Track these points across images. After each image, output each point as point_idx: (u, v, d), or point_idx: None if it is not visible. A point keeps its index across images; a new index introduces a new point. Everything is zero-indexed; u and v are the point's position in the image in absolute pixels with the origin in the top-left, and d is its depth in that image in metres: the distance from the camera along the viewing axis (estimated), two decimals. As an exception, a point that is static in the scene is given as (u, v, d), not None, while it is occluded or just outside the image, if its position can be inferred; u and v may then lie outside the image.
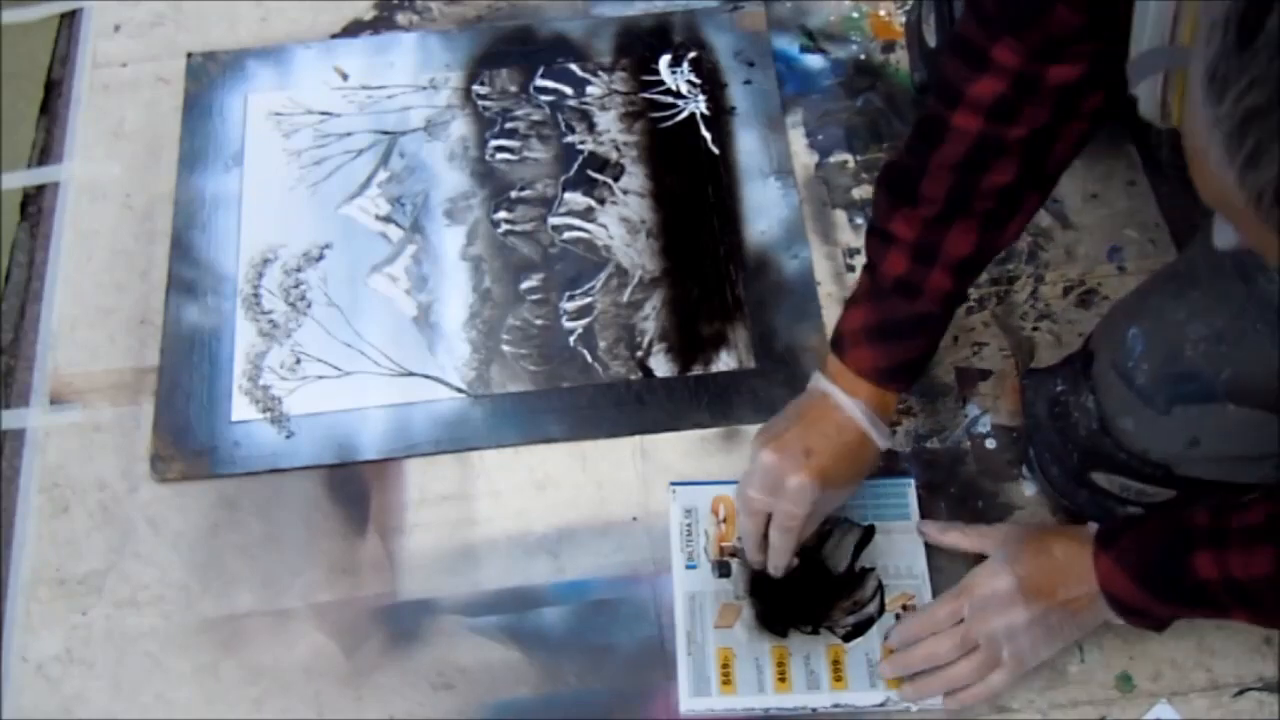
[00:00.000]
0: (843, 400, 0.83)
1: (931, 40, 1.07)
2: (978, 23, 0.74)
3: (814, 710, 0.87)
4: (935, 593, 0.90)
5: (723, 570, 0.91)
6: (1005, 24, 0.73)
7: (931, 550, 0.93)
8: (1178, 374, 0.76)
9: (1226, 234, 0.46)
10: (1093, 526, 0.83)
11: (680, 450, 0.99)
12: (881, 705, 0.86)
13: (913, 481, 0.95)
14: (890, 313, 0.83)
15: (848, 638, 0.89)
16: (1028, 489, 0.96)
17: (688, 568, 0.92)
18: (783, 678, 0.88)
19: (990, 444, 0.98)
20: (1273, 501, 0.72)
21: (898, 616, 0.89)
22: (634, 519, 0.96)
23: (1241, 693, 0.88)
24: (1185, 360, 0.76)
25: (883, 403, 0.85)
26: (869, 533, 0.92)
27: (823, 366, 0.87)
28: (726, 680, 0.88)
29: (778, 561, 0.86)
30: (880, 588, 0.90)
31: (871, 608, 0.90)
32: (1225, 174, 0.41)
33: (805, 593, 0.90)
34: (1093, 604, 0.80)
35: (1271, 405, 0.73)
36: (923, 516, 0.94)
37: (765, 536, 0.85)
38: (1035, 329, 1.03)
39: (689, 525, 0.93)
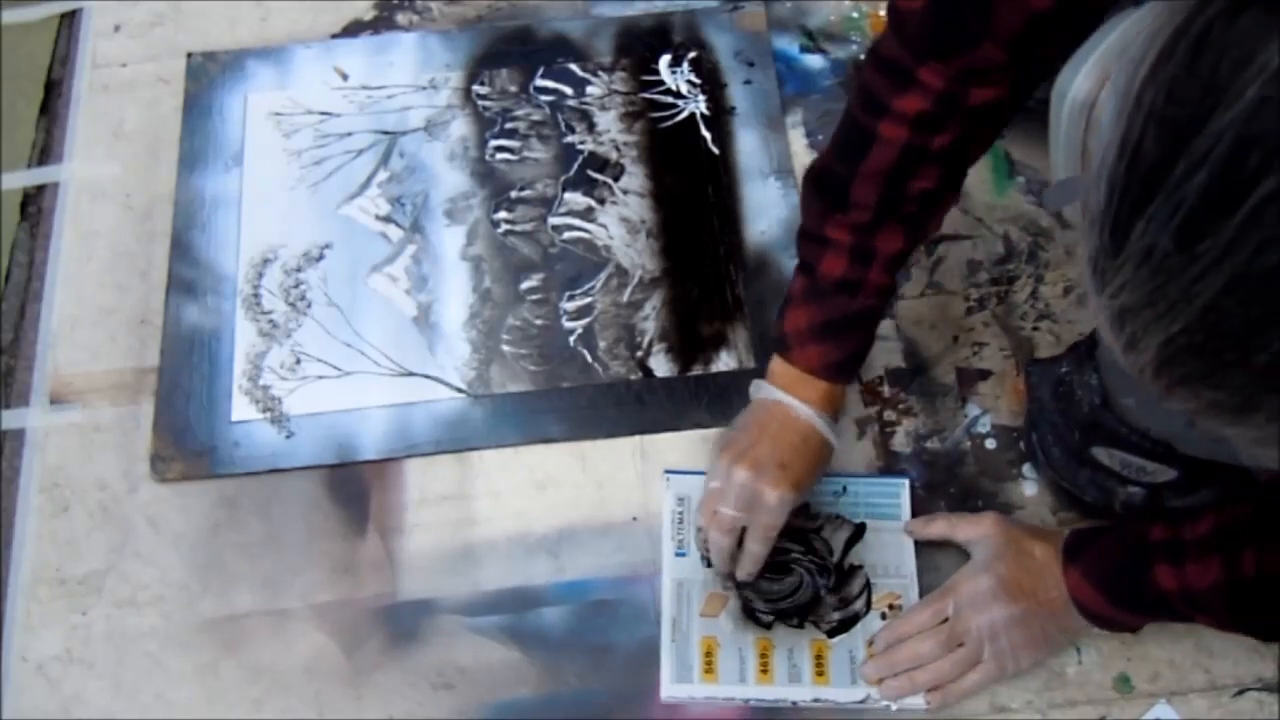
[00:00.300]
0: (802, 410, 0.86)
1: None
2: (903, 45, 0.77)
3: (794, 703, 0.88)
4: (923, 593, 0.91)
5: (711, 560, 0.91)
6: (931, 52, 0.76)
7: (920, 550, 0.93)
8: None
9: (1058, 196, 0.48)
10: (1067, 531, 0.85)
11: (680, 450, 0.99)
12: (861, 702, 0.87)
13: (906, 481, 0.95)
14: (834, 311, 0.86)
15: (832, 633, 0.89)
16: (1028, 489, 0.96)
17: (677, 555, 0.93)
18: (765, 669, 0.88)
19: (990, 444, 0.98)
20: (1220, 513, 0.75)
21: (884, 616, 0.90)
22: (634, 519, 0.96)
23: (1240, 693, 0.88)
24: None
25: (832, 405, 0.89)
26: (859, 530, 0.92)
27: (768, 375, 0.89)
28: (709, 668, 0.88)
29: (752, 569, 0.88)
30: (868, 585, 0.91)
31: (858, 605, 0.90)
32: (1112, 345, 0.44)
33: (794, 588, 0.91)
34: (1069, 608, 0.83)
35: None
36: (921, 516, 0.95)
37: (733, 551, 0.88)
38: (1035, 329, 1.03)
39: (680, 514, 0.94)
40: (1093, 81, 0.54)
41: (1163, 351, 0.41)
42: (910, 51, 0.76)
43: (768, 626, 0.90)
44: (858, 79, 0.83)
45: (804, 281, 0.87)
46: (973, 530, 0.89)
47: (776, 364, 0.89)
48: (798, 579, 0.90)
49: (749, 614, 0.90)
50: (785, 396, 0.87)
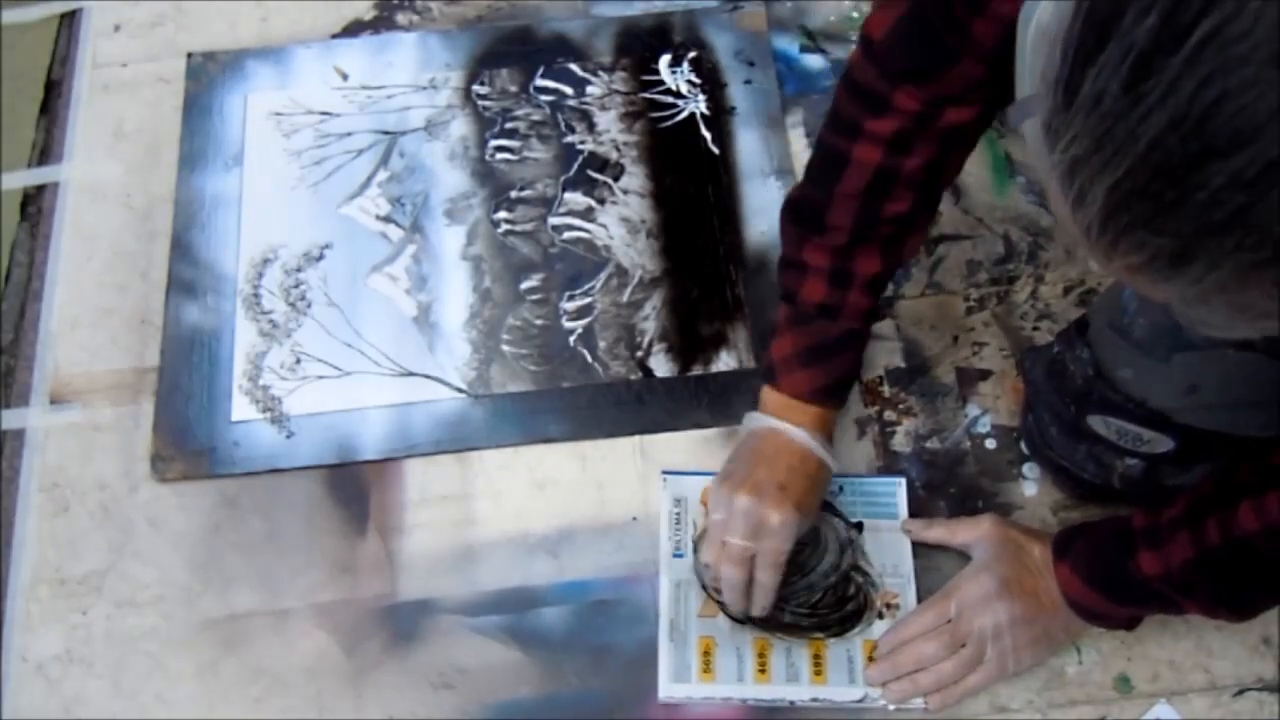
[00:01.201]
0: (795, 434, 0.87)
1: None
2: (879, 72, 0.78)
3: (792, 703, 0.88)
4: (920, 592, 0.91)
5: (724, 602, 0.90)
6: (908, 76, 0.77)
7: (918, 550, 0.93)
8: (1173, 324, 0.77)
9: (1021, 112, 0.50)
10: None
11: (680, 450, 0.99)
12: (859, 702, 0.87)
13: (902, 481, 0.95)
14: (818, 335, 0.88)
15: (831, 634, 0.89)
16: (1028, 489, 0.96)
17: (675, 556, 0.93)
18: (763, 669, 0.88)
19: (990, 444, 0.98)
20: (1193, 492, 0.76)
21: (881, 615, 0.90)
22: (634, 519, 0.96)
23: (1241, 693, 0.88)
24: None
25: (825, 427, 0.90)
26: (856, 529, 0.92)
27: (760, 405, 0.90)
28: (707, 668, 0.88)
29: (766, 601, 0.87)
30: (865, 585, 0.91)
31: (855, 605, 0.90)
32: (1061, 210, 0.46)
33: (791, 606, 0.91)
34: (1067, 606, 0.83)
35: (1272, 350, 0.74)
36: (922, 516, 0.95)
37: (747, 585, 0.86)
38: (1035, 329, 1.03)
39: (678, 514, 0.94)
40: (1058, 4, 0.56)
41: (1109, 199, 0.42)
42: (885, 76, 0.78)
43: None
44: (831, 108, 0.84)
45: (787, 310, 0.89)
46: (971, 533, 0.89)
47: (766, 393, 0.90)
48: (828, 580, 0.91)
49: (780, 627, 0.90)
50: (777, 422, 0.88)
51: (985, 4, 0.70)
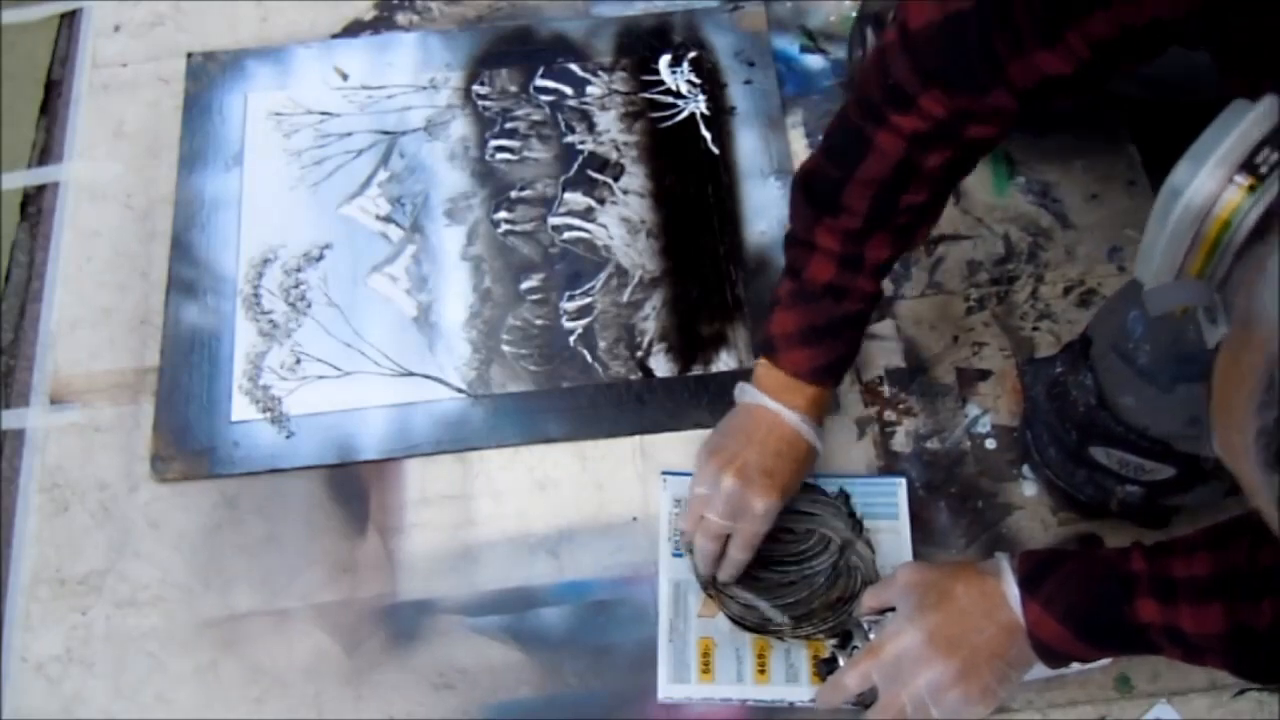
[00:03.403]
0: (789, 416, 0.86)
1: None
2: (913, 69, 0.75)
3: (791, 704, 0.88)
4: None
5: (695, 565, 0.90)
6: (941, 80, 0.75)
7: (917, 551, 0.93)
8: (1182, 354, 0.77)
9: (1162, 300, 0.48)
10: (999, 558, 0.80)
11: (680, 450, 0.99)
12: (855, 705, 0.86)
13: (903, 481, 0.95)
14: (821, 315, 0.86)
15: (831, 634, 0.88)
16: (1028, 489, 0.96)
17: (674, 556, 0.93)
18: (762, 670, 0.88)
19: (990, 444, 0.98)
20: (1215, 551, 0.71)
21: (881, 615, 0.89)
22: (634, 519, 0.96)
23: (1241, 693, 0.88)
24: (1189, 341, 0.75)
25: (818, 410, 0.88)
26: (857, 529, 0.92)
27: (755, 380, 0.88)
28: (706, 669, 0.88)
29: (733, 573, 0.88)
30: (865, 585, 0.90)
31: (855, 606, 0.89)
32: (1264, 495, 0.43)
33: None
34: (1013, 641, 0.77)
35: None
36: (922, 516, 0.95)
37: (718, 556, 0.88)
38: (1035, 329, 1.03)
39: (678, 514, 0.94)
40: (1215, 183, 0.53)
41: None
42: (919, 77, 0.75)
43: (761, 631, 0.89)
44: (858, 84, 0.82)
45: (791, 285, 0.87)
46: (890, 591, 0.83)
47: (762, 369, 0.88)
48: (812, 576, 0.90)
49: (737, 622, 0.89)
50: (772, 403, 0.86)
51: (1027, 51, 0.68)
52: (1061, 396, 0.87)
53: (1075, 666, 0.85)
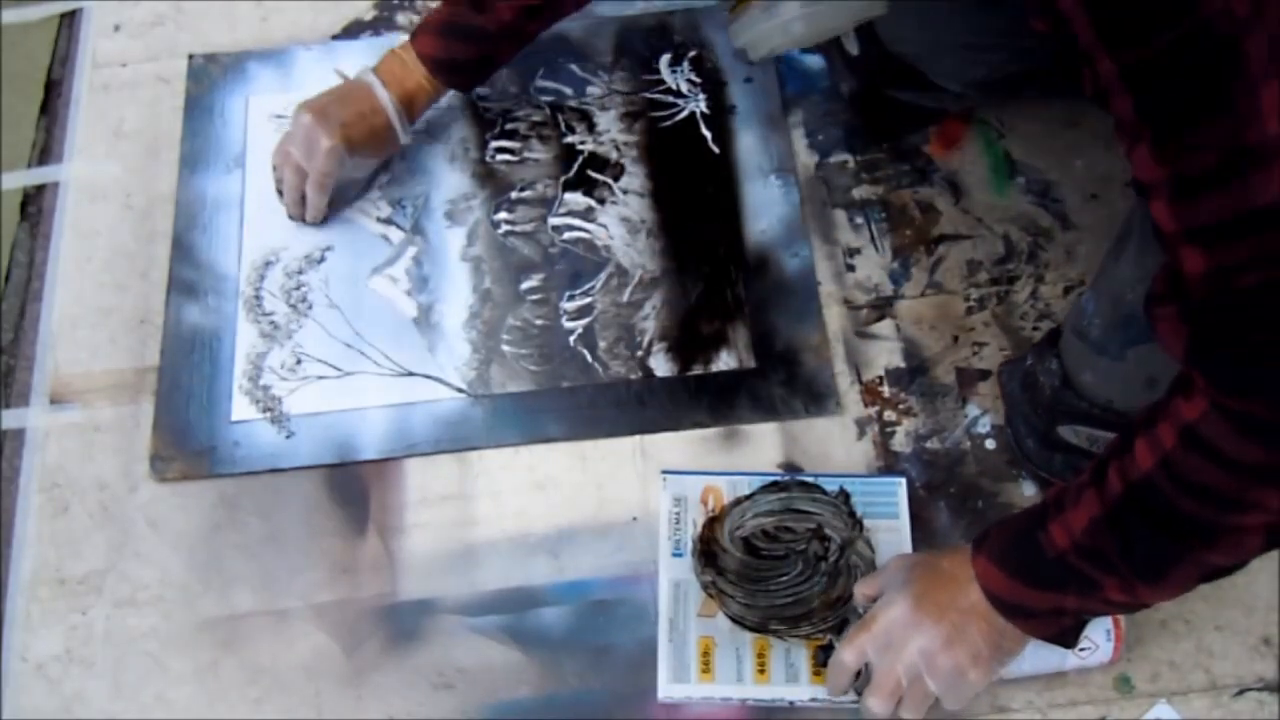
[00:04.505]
0: (380, 93, 1.03)
1: (853, 49, 1.06)
2: None
3: (791, 703, 0.87)
4: None
5: (706, 560, 0.90)
6: None
7: (918, 549, 0.92)
8: (1123, 318, 0.79)
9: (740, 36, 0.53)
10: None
11: (680, 450, 0.99)
12: (858, 702, 0.86)
13: (903, 481, 0.95)
14: (459, 17, 1.01)
15: (830, 633, 0.88)
16: (1027, 489, 0.96)
17: (674, 555, 0.92)
18: (762, 669, 0.88)
19: (990, 444, 0.98)
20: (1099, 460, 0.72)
21: None
22: (634, 519, 0.96)
23: (1241, 693, 0.88)
24: (1127, 304, 0.78)
25: (411, 102, 1.04)
26: (858, 529, 0.91)
27: (376, 66, 1.04)
28: (706, 668, 0.88)
29: (315, 215, 1.07)
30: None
31: (852, 605, 0.89)
32: None
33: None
34: (990, 609, 0.77)
35: None
36: (922, 517, 0.95)
37: (303, 196, 1.05)
38: (1035, 329, 1.03)
39: (678, 514, 0.94)
40: None
41: None
42: None
43: (761, 631, 0.89)
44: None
45: None
46: (881, 577, 0.84)
47: (387, 57, 1.04)
48: (793, 574, 0.90)
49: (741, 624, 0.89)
50: (372, 78, 1.03)
51: None
52: (1032, 386, 0.90)
53: (1073, 662, 0.86)
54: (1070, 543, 0.71)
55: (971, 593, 0.77)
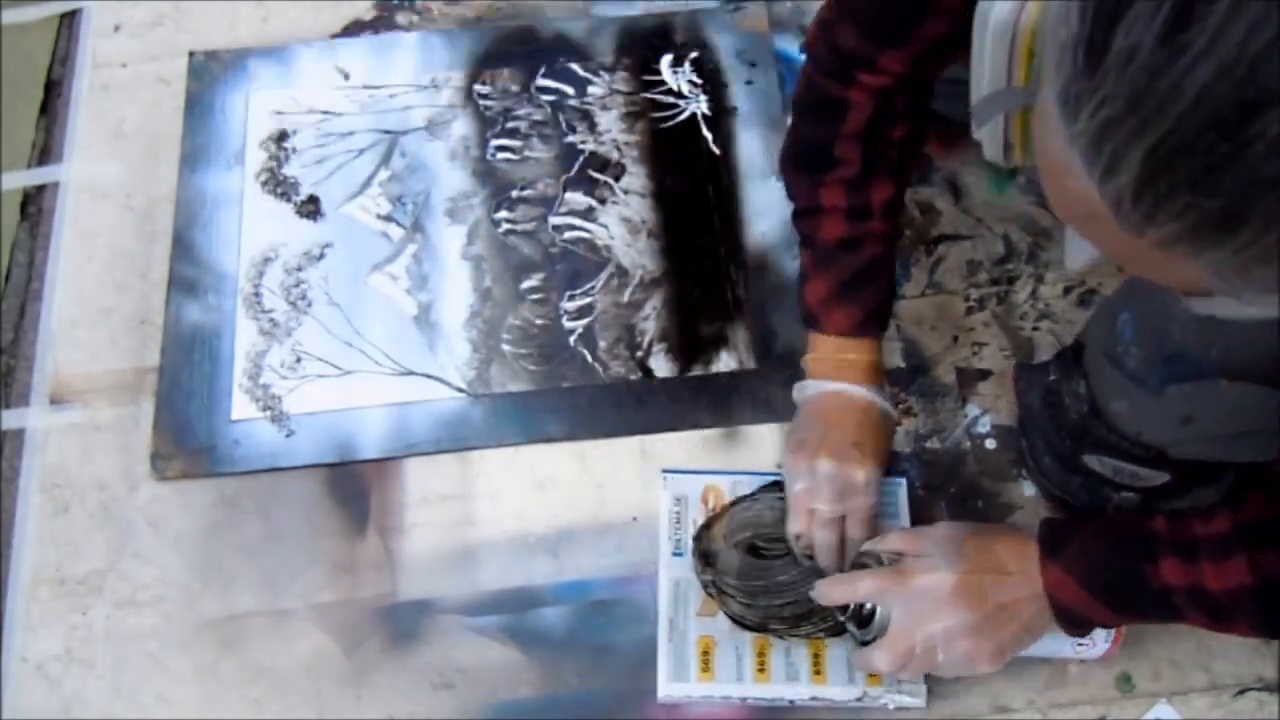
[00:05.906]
0: (853, 390, 0.87)
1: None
2: (859, 34, 0.80)
3: (791, 702, 0.88)
4: None
5: (707, 560, 0.90)
6: (887, 39, 0.79)
7: None
8: (1168, 354, 0.77)
9: (1077, 255, 0.49)
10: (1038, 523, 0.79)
11: (680, 450, 0.99)
12: (859, 700, 0.87)
13: (903, 481, 0.95)
14: (846, 269, 0.87)
15: (830, 633, 0.88)
16: (1028, 489, 0.96)
17: (674, 555, 0.92)
18: (762, 668, 0.88)
19: (990, 444, 0.98)
20: (1235, 510, 0.71)
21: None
22: (634, 519, 0.96)
23: (1241, 693, 0.88)
24: (1174, 340, 0.76)
25: (876, 375, 0.89)
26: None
27: (808, 372, 0.89)
28: (706, 667, 0.88)
29: (855, 553, 0.87)
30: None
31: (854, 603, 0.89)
32: (1086, 186, 0.44)
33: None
34: (1036, 609, 0.76)
35: (1265, 378, 0.72)
36: (922, 517, 0.95)
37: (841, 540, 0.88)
38: (1035, 329, 1.03)
39: (678, 513, 0.94)
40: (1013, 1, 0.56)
41: (1148, 162, 0.40)
42: (866, 39, 0.79)
43: (760, 631, 0.89)
44: (812, 57, 0.85)
45: (810, 254, 0.88)
46: (925, 541, 0.82)
47: (810, 358, 0.89)
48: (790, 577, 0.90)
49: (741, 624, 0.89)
50: (832, 384, 0.88)
51: None
52: (1056, 405, 0.87)
53: (1069, 653, 0.86)
54: (1186, 585, 0.70)
55: (1019, 589, 0.76)
